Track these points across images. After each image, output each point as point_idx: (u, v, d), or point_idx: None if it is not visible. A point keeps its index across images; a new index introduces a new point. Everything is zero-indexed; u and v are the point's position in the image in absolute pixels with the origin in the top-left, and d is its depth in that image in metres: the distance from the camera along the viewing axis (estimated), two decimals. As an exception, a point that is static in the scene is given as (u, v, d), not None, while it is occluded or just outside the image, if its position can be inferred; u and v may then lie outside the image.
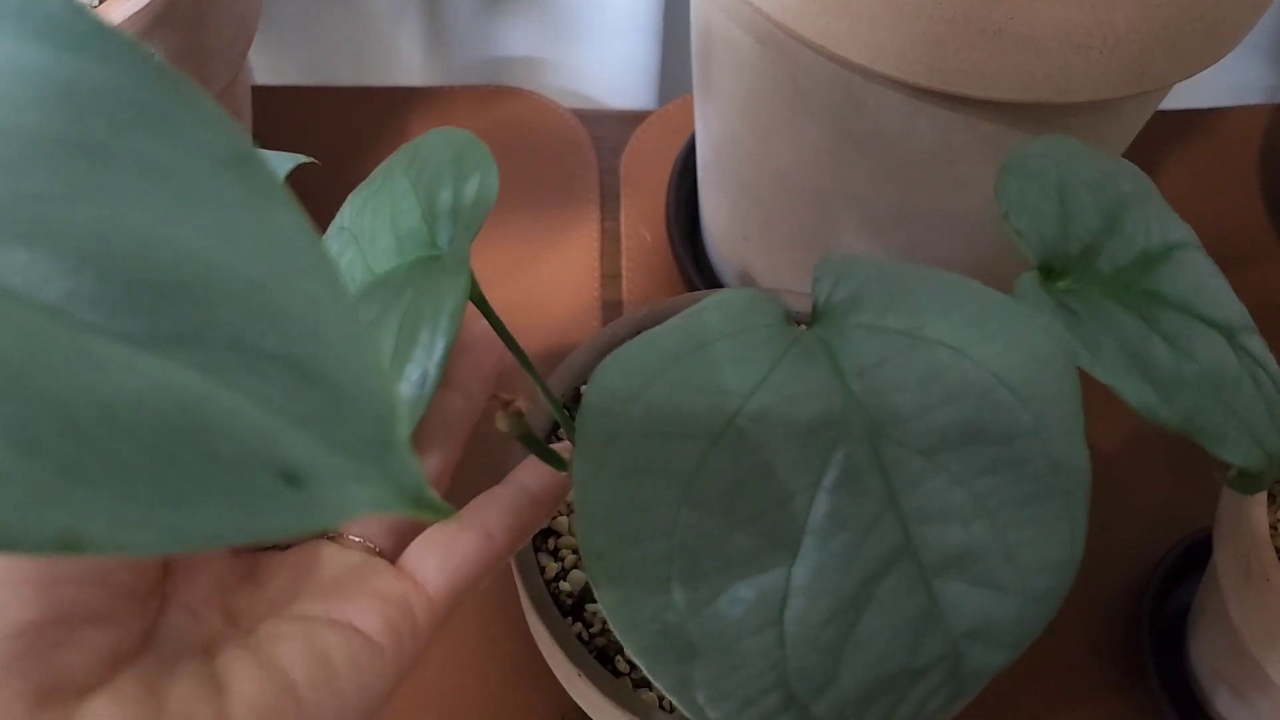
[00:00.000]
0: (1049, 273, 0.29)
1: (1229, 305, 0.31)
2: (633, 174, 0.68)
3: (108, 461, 0.15)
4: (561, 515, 0.39)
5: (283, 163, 0.40)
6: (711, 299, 0.29)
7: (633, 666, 0.37)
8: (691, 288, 0.61)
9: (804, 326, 0.29)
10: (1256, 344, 0.31)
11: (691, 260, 0.62)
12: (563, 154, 0.69)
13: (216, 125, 0.17)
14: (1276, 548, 0.42)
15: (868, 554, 0.27)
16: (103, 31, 0.17)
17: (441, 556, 0.28)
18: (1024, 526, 0.27)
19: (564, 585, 0.38)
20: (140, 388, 0.16)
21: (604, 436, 0.27)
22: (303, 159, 0.40)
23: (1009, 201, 0.29)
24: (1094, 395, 0.30)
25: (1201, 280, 0.30)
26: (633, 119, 0.72)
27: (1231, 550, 0.43)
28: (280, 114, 0.70)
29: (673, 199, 0.64)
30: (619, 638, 0.27)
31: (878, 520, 0.27)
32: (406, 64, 0.78)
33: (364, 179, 0.36)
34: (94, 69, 0.17)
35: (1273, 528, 0.43)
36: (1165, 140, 0.72)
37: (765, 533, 0.27)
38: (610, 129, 0.72)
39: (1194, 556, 0.54)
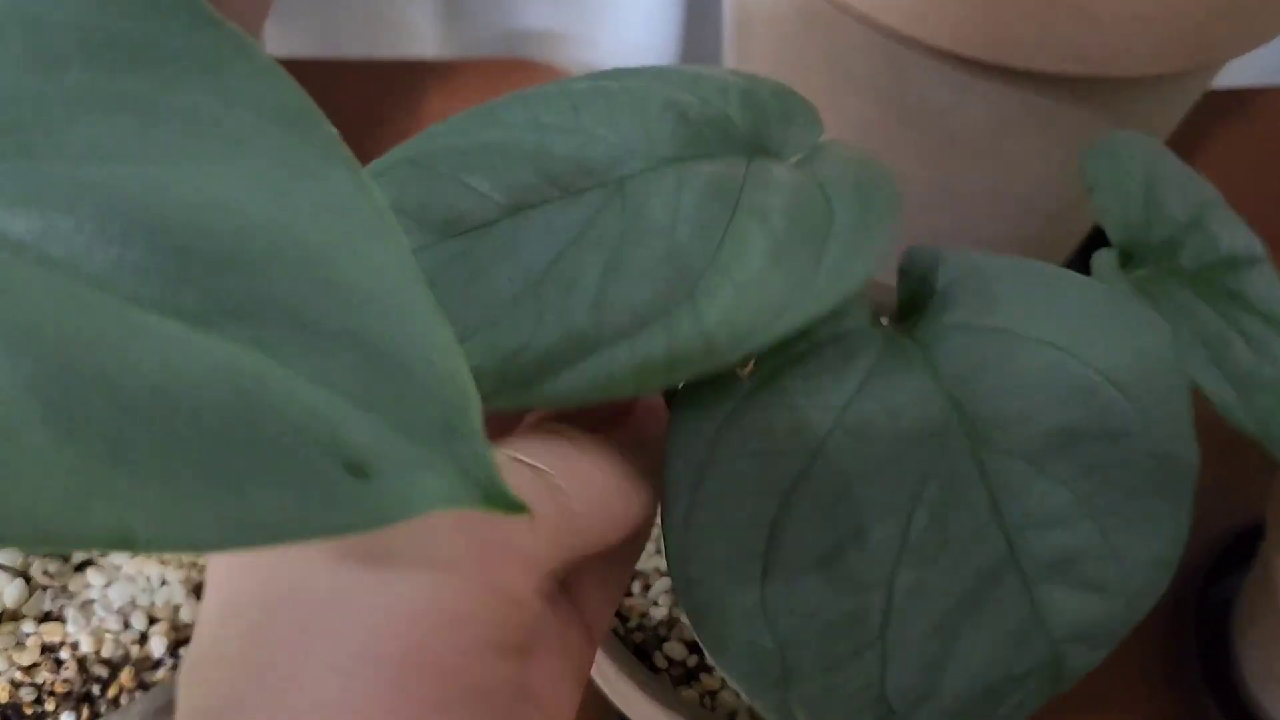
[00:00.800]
0: (1127, 258, 0.28)
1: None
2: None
3: (160, 448, 0.14)
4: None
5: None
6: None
7: (671, 663, 0.36)
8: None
9: (885, 322, 0.27)
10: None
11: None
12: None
13: (271, 79, 0.15)
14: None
15: (971, 567, 0.25)
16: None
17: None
18: (1128, 525, 0.26)
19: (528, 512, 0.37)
20: (193, 367, 0.14)
21: (698, 454, 0.25)
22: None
23: (1096, 178, 0.27)
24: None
25: (1277, 294, 0.29)
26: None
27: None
28: (294, 86, 0.68)
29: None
30: (710, 657, 0.25)
31: (981, 532, 0.25)
32: (419, 35, 0.77)
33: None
34: (141, 19, 0.15)
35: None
36: (1208, 120, 0.71)
37: (865, 549, 0.25)
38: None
39: (1238, 549, 0.53)
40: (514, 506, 0.16)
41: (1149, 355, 0.26)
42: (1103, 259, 0.27)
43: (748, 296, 0.24)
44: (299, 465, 0.14)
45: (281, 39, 0.76)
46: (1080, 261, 0.61)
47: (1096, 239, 0.57)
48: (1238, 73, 0.64)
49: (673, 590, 0.37)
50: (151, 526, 0.14)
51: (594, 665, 0.36)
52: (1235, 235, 0.30)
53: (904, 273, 0.28)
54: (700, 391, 0.26)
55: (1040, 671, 0.26)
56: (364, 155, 0.51)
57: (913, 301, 0.28)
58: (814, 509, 0.25)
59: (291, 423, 0.14)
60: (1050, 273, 0.27)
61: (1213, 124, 0.70)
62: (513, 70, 0.70)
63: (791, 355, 0.26)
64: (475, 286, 0.24)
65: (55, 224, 0.14)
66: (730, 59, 0.51)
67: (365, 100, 0.68)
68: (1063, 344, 0.26)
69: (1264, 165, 0.69)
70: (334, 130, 0.15)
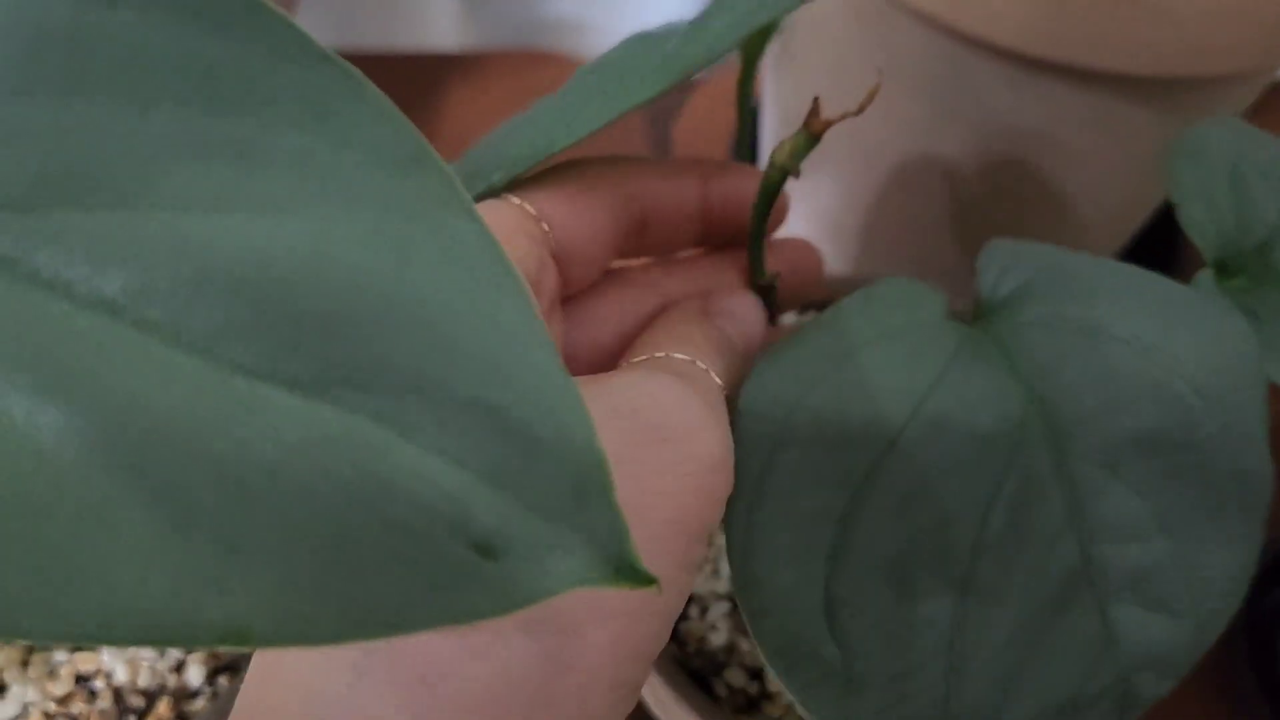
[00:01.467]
0: (1222, 269, 0.27)
1: None
2: (686, 146, 0.65)
3: (275, 534, 0.12)
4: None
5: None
6: (865, 291, 0.26)
7: (732, 690, 0.35)
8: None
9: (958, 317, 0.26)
10: None
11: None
12: (611, 125, 0.66)
13: (385, 120, 0.14)
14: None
15: (1046, 575, 0.24)
16: (250, 6, 0.14)
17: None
18: (1203, 542, 0.25)
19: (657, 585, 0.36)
20: (309, 443, 0.13)
21: (766, 447, 0.24)
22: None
23: (1183, 190, 0.26)
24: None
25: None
26: (680, 87, 0.69)
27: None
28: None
29: (730, 172, 0.61)
30: (770, 669, 0.24)
31: (1057, 537, 0.24)
32: (439, 27, 0.75)
33: None
34: (239, 51, 0.14)
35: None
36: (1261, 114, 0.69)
37: (937, 549, 0.24)
38: (661, 97, 0.69)
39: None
40: (646, 580, 0.14)
41: (1232, 363, 0.24)
42: (1202, 281, 0.26)
43: None
44: (426, 549, 0.13)
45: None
46: (1125, 257, 0.59)
47: (1146, 239, 0.55)
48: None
49: (732, 614, 0.35)
50: (268, 621, 0.12)
51: (649, 690, 0.35)
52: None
53: (981, 269, 0.27)
54: (771, 373, 0.25)
55: (1109, 696, 0.25)
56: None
57: (991, 297, 0.27)
58: (885, 505, 0.24)
59: (417, 503, 0.13)
60: (1132, 271, 0.26)
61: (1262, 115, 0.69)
62: (535, 62, 0.69)
63: (863, 340, 0.25)
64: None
65: (152, 283, 0.13)
66: (771, 56, 0.50)
67: (387, 94, 0.67)
68: (1146, 344, 0.25)
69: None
70: (452, 174, 0.14)
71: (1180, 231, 0.56)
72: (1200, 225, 0.26)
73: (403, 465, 0.13)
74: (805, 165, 0.50)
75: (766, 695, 0.34)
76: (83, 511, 0.12)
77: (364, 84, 0.14)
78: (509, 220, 0.24)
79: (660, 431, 0.21)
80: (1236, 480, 0.24)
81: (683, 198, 0.28)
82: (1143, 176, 0.44)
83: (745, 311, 0.27)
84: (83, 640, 0.12)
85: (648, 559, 0.21)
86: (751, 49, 0.41)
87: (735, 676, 0.35)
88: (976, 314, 0.26)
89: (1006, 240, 0.26)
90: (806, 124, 0.25)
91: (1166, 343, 0.24)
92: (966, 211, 0.46)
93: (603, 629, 0.19)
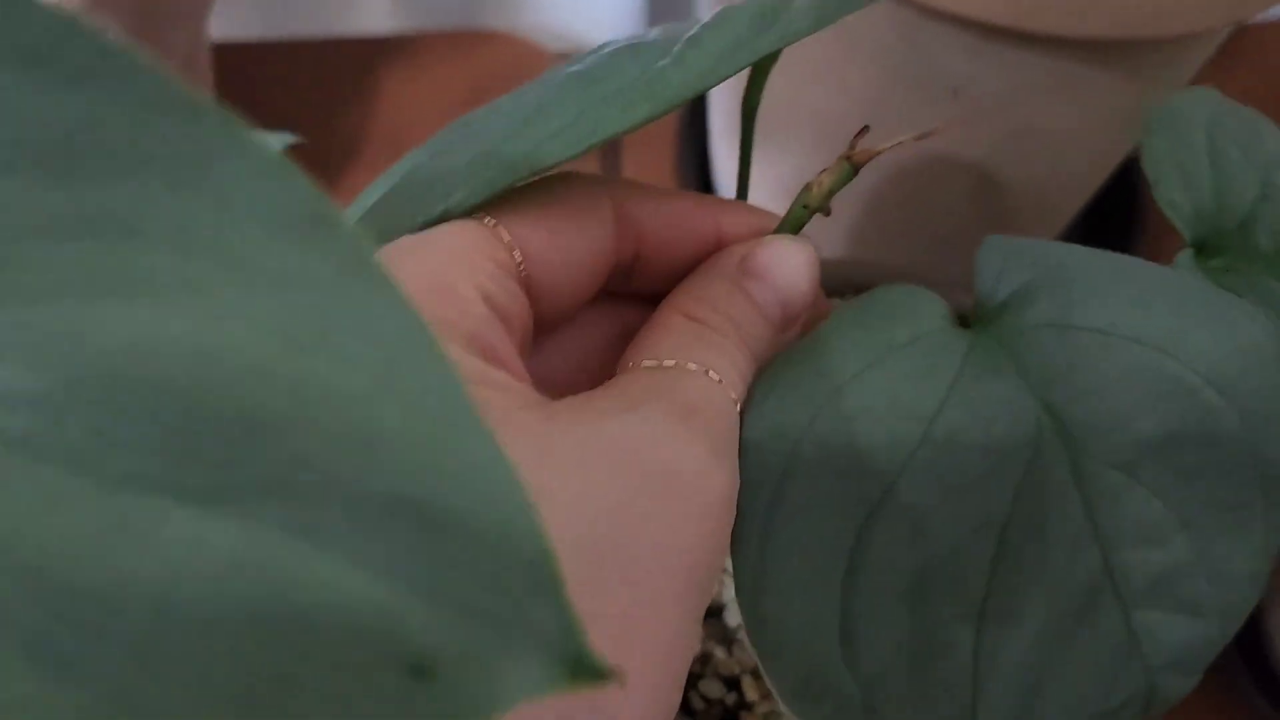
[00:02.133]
0: (1201, 249, 0.25)
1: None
2: (632, 144, 0.63)
3: (178, 674, 0.11)
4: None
5: (274, 144, 0.35)
6: (864, 300, 0.24)
7: (709, 703, 0.33)
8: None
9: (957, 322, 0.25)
10: None
11: (706, 217, 0.57)
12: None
13: (275, 177, 0.12)
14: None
15: (1067, 589, 0.23)
16: (107, 53, 0.12)
17: None
18: (1223, 537, 0.24)
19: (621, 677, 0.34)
20: (209, 563, 0.11)
21: (773, 480, 0.22)
22: (289, 139, 0.35)
23: (1159, 169, 0.25)
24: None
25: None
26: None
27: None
28: (239, 74, 0.64)
29: (682, 152, 0.59)
30: (788, 710, 0.23)
31: (1077, 547, 0.23)
32: (370, 9, 0.72)
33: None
34: (102, 107, 0.12)
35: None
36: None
37: (955, 571, 0.23)
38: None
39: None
40: (605, 676, 0.13)
41: (1249, 351, 0.23)
42: (1183, 261, 0.24)
43: None
44: (352, 675, 0.11)
45: (224, 22, 0.72)
46: (1083, 222, 0.58)
47: (1102, 201, 0.54)
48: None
49: (706, 622, 0.34)
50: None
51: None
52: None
53: (980, 270, 0.26)
54: (772, 401, 0.23)
55: (1134, 703, 0.24)
56: (323, 141, 0.47)
57: (992, 299, 0.25)
58: (900, 530, 0.23)
59: (340, 626, 0.11)
60: (1138, 265, 0.25)
61: (1224, 64, 0.68)
62: (474, 42, 0.66)
63: (868, 357, 0.24)
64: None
65: (14, 388, 0.11)
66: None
67: (320, 83, 0.64)
68: (1159, 342, 0.23)
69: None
70: (359, 233, 0.12)
71: (1140, 191, 0.55)
72: (1178, 206, 0.25)
73: (320, 582, 0.11)
74: (761, 134, 0.48)
75: (744, 705, 0.33)
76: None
77: (244, 137, 0.12)
78: (477, 246, 0.22)
79: (665, 480, 0.19)
80: (1260, 471, 0.23)
81: (688, 233, 0.25)
82: (1104, 140, 0.43)
83: (790, 274, 0.23)
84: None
85: (663, 618, 0.19)
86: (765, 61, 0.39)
87: (711, 688, 0.33)
88: (977, 318, 0.25)
89: (1001, 237, 0.25)
90: (849, 155, 0.23)
91: (1180, 339, 0.23)
92: (929, 184, 0.45)
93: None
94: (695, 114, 0.60)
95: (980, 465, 0.22)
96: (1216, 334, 0.23)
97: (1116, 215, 0.57)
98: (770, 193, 0.51)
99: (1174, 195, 0.24)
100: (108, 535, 0.11)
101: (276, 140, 0.35)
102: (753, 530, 0.22)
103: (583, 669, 0.13)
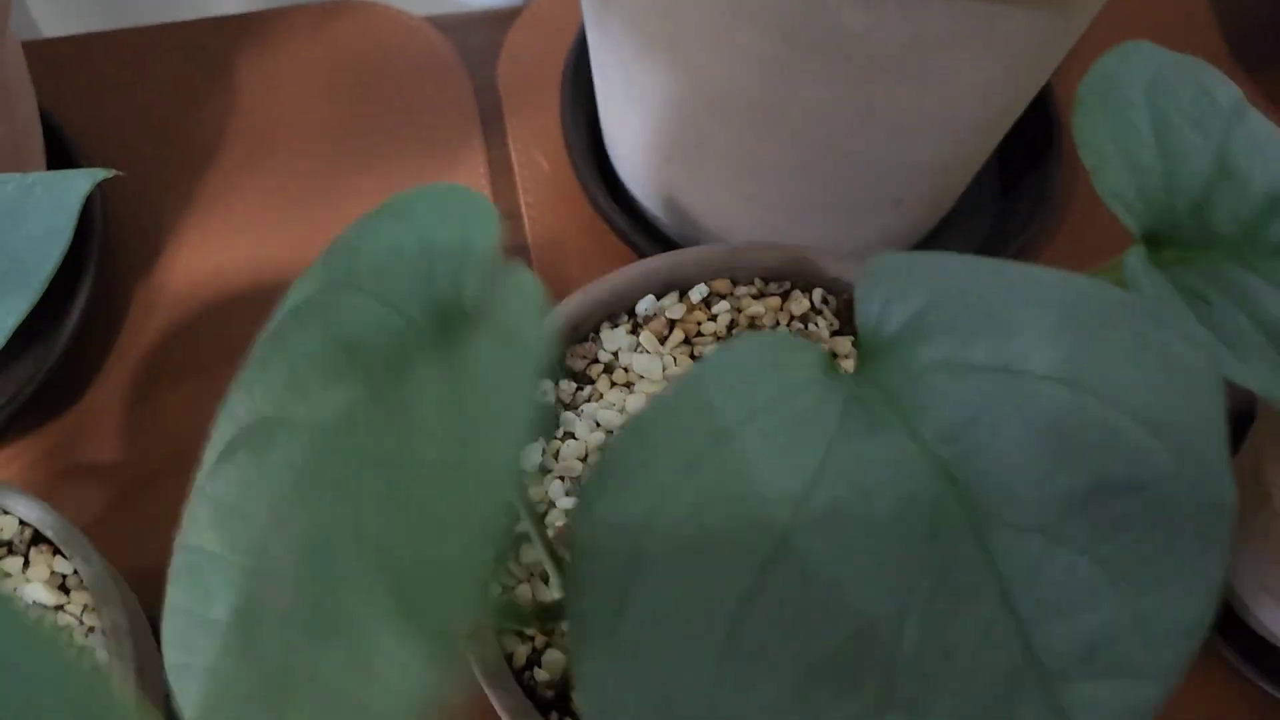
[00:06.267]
0: (1153, 241, 0.22)
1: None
2: (514, 88, 0.58)
3: None
4: (523, 582, 0.31)
5: (79, 184, 0.30)
6: (717, 357, 0.20)
7: None
8: (607, 221, 0.52)
9: (840, 362, 0.21)
10: None
11: (602, 187, 0.53)
12: (427, 74, 0.59)
13: None
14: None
15: (981, 682, 0.20)
16: None
17: None
18: (1161, 586, 0.21)
19: (540, 674, 0.31)
20: None
21: (613, 592, 0.19)
22: (101, 174, 0.30)
23: (1098, 154, 0.21)
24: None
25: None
26: (501, 20, 0.62)
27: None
28: (79, 71, 0.58)
29: (567, 116, 0.55)
30: None
31: (990, 634, 0.20)
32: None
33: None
34: None
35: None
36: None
37: (843, 678, 0.19)
38: (477, 36, 0.61)
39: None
40: None
41: (1185, 380, 0.20)
42: (1133, 265, 0.21)
43: None
44: None
45: (60, 17, 0.65)
46: (995, 169, 0.55)
47: (1012, 141, 0.51)
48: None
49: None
50: None
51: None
52: (1267, 159, 0.24)
53: (863, 298, 0.22)
54: (607, 496, 0.19)
55: None
56: (185, 143, 0.42)
57: (878, 335, 0.22)
58: (771, 634, 0.19)
59: None
60: (1052, 280, 0.21)
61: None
62: (335, 14, 0.61)
63: (723, 426, 0.20)
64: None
65: None
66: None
67: (173, 74, 0.58)
68: (1077, 378, 0.20)
69: (1166, 18, 0.64)
70: None
71: (1053, 113, 0.52)
72: (1124, 195, 0.21)
73: None
74: (625, 96, 0.43)
75: None
76: None
77: None
78: None
79: None
80: (1198, 512, 0.20)
81: None
82: (1016, 82, 0.39)
83: None
84: None
85: None
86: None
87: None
88: (861, 358, 0.21)
89: (890, 255, 0.21)
90: None
91: (1105, 373, 0.19)
92: (829, 146, 0.41)
93: None
94: (579, 74, 0.55)
95: (866, 545, 0.19)
96: (1147, 365, 0.19)
97: (1031, 142, 0.54)
98: (649, 149, 0.47)
99: (1118, 185, 0.21)
100: None
101: (84, 178, 0.30)
102: (595, 638, 0.18)
103: None
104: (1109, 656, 0.21)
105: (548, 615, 0.26)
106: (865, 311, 0.21)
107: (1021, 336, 0.20)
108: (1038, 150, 0.54)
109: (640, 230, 0.51)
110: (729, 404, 0.20)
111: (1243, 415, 0.46)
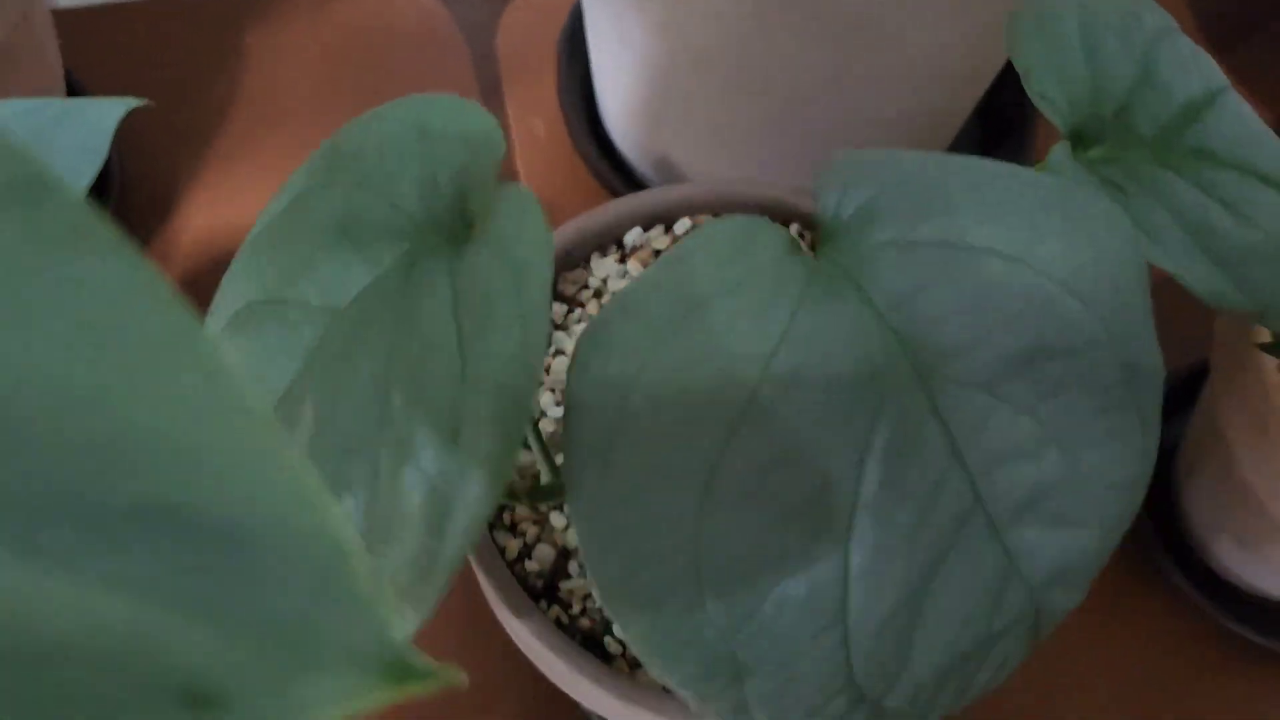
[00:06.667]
0: (1079, 139, 0.24)
1: (1278, 153, 0.26)
2: (512, 58, 0.61)
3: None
4: (519, 479, 0.34)
5: (110, 111, 0.32)
6: (694, 239, 0.23)
7: (625, 647, 0.32)
8: (602, 182, 0.55)
9: (811, 247, 0.23)
10: (1310, 193, 0.26)
11: (596, 151, 0.55)
12: (427, 44, 0.61)
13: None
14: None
15: (934, 521, 0.22)
16: None
17: None
18: (1097, 445, 0.23)
19: (530, 565, 0.33)
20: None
21: (602, 440, 0.21)
22: (134, 103, 0.32)
23: (1027, 59, 0.23)
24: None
25: (1248, 128, 0.25)
26: (497, -5, 0.64)
27: (1238, 404, 0.40)
28: (90, 40, 0.60)
29: (564, 84, 0.57)
30: (654, 673, 0.22)
31: (941, 479, 0.22)
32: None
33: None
34: None
35: (1281, 372, 0.39)
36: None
37: (811, 519, 0.22)
38: (475, 10, 0.64)
39: (1179, 393, 0.51)
40: (429, 677, 0.11)
41: (1108, 255, 0.22)
42: (1056, 157, 0.23)
43: None
44: (123, 711, 0.10)
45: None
46: (976, 129, 0.57)
47: (988, 100, 0.53)
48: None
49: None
50: None
51: (546, 666, 0.33)
52: (1189, 73, 0.26)
53: (821, 189, 0.24)
54: (596, 357, 0.22)
55: (1020, 624, 0.24)
56: (194, 111, 0.44)
57: (835, 220, 0.24)
58: (747, 479, 0.22)
59: (96, 658, 0.10)
60: (994, 170, 0.23)
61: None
62: (339, -11, 0.63)
63: (697, 298, 0.22)
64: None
65: None
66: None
67: (183, 47, 0.61)
68: (1012, 252, 0.22)
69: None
70: (101, 227, 0.10)
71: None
72: (1051, 96, 0.23)
73: (66, 608, 0.10)
74: (617, 61, 0.46)
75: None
76: None
77: None
78: None
79: None
80: (1127, 378, 0.22)
81: None
82: (981, 41, 0.41)
83: None
84: None
85: None
86: None
87: (628, 638, 0.32)
88: (821, 241, 0.23)
89: (846, 151, 0.23)
90: None
91: (1036, 247, 0.21)
92: (807, 102, 0.43)
93: None
94: (574, 44, 0.58)
95: (827, 401, 0.21)
96: (1074, 240, 0.22)
97: (1009, 107, 0.56)
98: (641, 113, 0.49)
99: (1045, 87, 0.23)
100: None
101: (116, 106, 0.33)
102: (584, 494, 0.21)
103: (407, 672, 0.11)
104: (1050, 506, 0.23)
105: (538, 495, 0.28)
106: (824, 200, 0.23)
107: (961, 215, 0.22)
108: (1014, 116, 0.56)
109: (631, 189, 0.54)
110: (704, 278, 0.22)
111: (1203, 369, 0.49)
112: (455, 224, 0.25)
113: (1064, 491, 0.23)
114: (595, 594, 0.22)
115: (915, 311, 0.22)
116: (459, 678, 0.12)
